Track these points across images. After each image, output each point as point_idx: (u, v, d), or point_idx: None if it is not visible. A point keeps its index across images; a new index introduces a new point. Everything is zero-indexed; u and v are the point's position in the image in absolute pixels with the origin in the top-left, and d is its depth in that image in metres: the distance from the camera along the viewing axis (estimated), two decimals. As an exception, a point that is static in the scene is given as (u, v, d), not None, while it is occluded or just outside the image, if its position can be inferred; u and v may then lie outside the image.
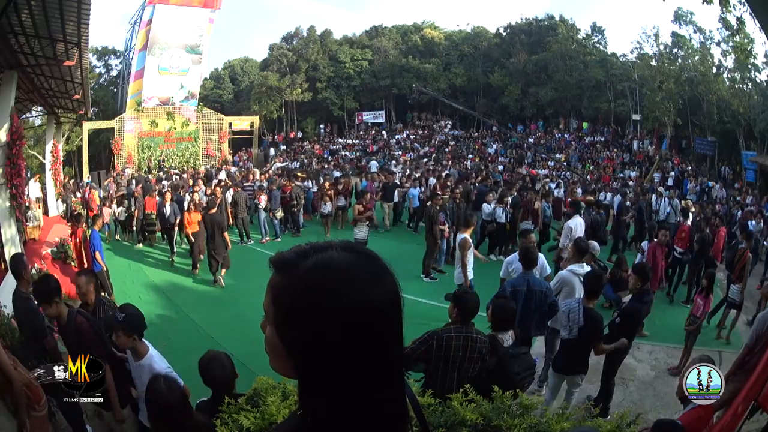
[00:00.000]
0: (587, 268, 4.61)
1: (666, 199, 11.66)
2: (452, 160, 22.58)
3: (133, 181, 15.05)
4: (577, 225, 7.18)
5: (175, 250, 9.56)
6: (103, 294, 6.80)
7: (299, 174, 14.14)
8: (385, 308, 0.61)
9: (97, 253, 6.60)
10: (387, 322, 0.62)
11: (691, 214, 9.18)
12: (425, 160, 22.53)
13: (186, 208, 9.10)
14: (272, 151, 25.06)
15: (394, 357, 0.64)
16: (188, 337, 6.17)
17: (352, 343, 0.59)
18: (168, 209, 9.61)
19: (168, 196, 9.85)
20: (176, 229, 9.44)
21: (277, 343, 0.63)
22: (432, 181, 13.09)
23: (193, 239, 8.80)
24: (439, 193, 9.31)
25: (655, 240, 6.91)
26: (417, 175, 14.29)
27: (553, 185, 14.29)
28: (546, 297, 4.29)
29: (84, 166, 20.67)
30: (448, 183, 11.62)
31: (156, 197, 11.76)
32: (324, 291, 0.59)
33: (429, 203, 8.75)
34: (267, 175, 14.85)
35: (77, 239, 7.21)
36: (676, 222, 9.71)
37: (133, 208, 11.15)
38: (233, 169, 19.36)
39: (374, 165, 21.39)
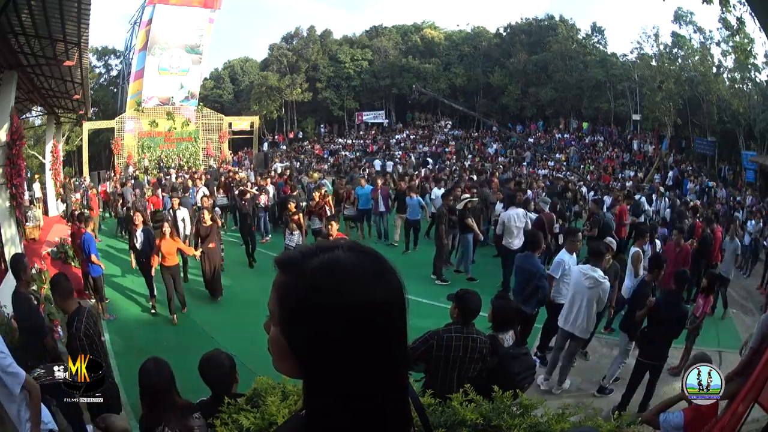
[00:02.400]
0: (597, 272, 4.64)
1: (666, 199, 11.65)
2: (455, 158, 22.68)
3: (132, 181, 15.05)
4: (511, 216, 7.40)
5: (155, 292, 7.03)
6: (92, 301, 6.72)
7: (314, 174, 13.21)
8: (390, 308, 0.61)
9: (92, 255, 6.58)
10: (391, 323, 0.62)
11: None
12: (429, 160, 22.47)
13: (160, 234, 6.67)
14: (265, 146, 24.41)
15: (397, 357, 0.64)
16: (188, 337, 6.17)
17: (357, 343, 0.59)
18: (140, 237, 7.01)
19: (139, 219, 7.16)
20: (153, 264, 6.73)
21: (282, 343, 0.63)
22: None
23: (166, 277, 6.54)
24: (467, 193, 8.96)
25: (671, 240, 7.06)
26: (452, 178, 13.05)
27: (591, 193, 13.32)
28: (533, 276, 4.99)
29: (84, 166, 20.69)
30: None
31: (160, 196, 11.74)
32: (329, 291, 0.59)
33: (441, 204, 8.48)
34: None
35: (78, 240, 7.20)
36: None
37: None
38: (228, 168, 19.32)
39: (377, 164, 21.15)
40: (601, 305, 4.67)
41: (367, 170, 18.37)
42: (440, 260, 7.99)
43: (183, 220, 8.50)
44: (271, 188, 11.49)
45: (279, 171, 16.21)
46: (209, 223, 7.40)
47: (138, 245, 7.02)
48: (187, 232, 8.42)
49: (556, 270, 5.20)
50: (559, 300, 5.09)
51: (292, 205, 8.08)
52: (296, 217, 7.85)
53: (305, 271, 0.61)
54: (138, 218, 7.18)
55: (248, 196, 9.91)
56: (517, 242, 7.37)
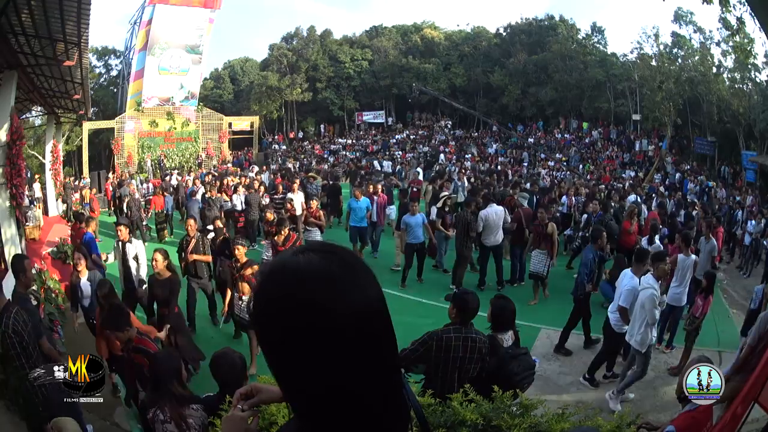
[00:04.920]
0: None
1: (673, 201, 11.68)
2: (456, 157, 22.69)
3: (132, 182, 15.04)
4: (489, 214, 7.39)
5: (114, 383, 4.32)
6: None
7: (312, 175, 12.33)
8: (364, 313, 0.60)
9: (94, 255, 6.57)
10: (367, 327, 0.60)
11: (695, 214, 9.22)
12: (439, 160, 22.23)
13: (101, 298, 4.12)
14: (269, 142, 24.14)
15: (382, 359, 0.63)
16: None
17: (326, 348, 0.58)
18: (85, 288, 4.85)
19: (82, 264, 4.95)
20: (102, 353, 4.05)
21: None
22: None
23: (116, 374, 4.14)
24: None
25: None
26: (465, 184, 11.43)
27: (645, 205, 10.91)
28: (581, 265, 5.86)
29: (84, 166, 20.68)
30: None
31: (164, 196, 11.71)
32: (291, 296, 0.59)
33: (463, 208, 8.05)
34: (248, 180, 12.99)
35: (78, 240, 7.21)
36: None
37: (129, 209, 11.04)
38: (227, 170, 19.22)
39: (387, 165, 20.65)
40: (650, 317, 4.45)
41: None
42: (462, 269, 7.57)
43: (136, 258, 5.78)
44: (300, 195, 9.89)
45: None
46: (165, 273, 4.79)
47: (83, 301, 4.70)
48: (143, 275, 5.72)
49: (627, 299, 4.69)
50: (620, 329, 4.80)
51: (241, 251, 5.25)
52: (249, 271, 5.07)
53: (273, 276, 0.61)
54: (81, 263, 4.94)
55: (220, 223, 6.94)
56: (493, 239, 7.46)
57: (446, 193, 8.94)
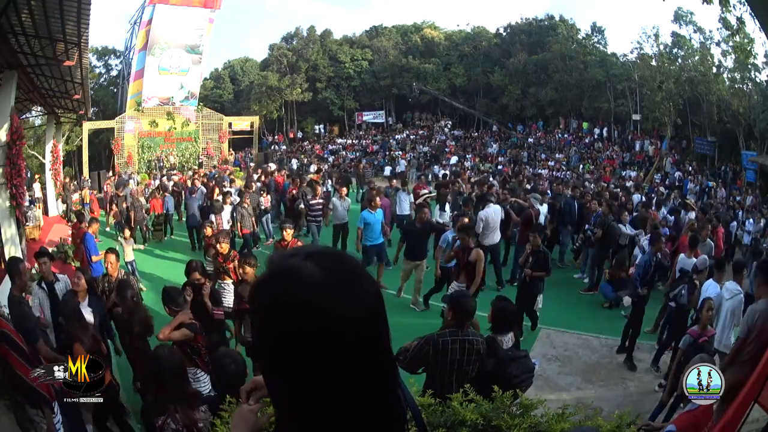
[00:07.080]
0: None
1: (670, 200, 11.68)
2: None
3: (132, 182, 15.01)
4: (489, 214, 7.46)
5: None
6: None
7: (314, 179, 11.32)
8: (354, 312, 0.59)
9: (93, 257, 6.58)
10: (359, 326, 0.59)
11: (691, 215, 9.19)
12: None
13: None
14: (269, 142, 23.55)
15: (372, 359, 0.62)
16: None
17: (315, 346, 0.57)
18: (89, 314, 4.08)
19: (82, 284, 4.25)
20: None
21: None
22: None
23: None
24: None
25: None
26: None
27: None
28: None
29: (84, 166, 20.66)
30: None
31: (163, 196, 11.69)
32: (276, 298, 0.59)
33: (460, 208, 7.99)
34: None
35: (78, 240, 7.21)
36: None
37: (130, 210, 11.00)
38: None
39: (388, 169, 20.55)
40: (737, 321, 4.59)
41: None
42: None
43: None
44: (347, 202, 8.91)
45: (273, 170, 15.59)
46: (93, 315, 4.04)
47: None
48: None
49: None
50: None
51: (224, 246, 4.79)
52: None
53: (269, 279, 0.62)
54: (81, 284, 4.20)
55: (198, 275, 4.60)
56: (491, 239, 7.50)
57: (425, 191, 8.90)
